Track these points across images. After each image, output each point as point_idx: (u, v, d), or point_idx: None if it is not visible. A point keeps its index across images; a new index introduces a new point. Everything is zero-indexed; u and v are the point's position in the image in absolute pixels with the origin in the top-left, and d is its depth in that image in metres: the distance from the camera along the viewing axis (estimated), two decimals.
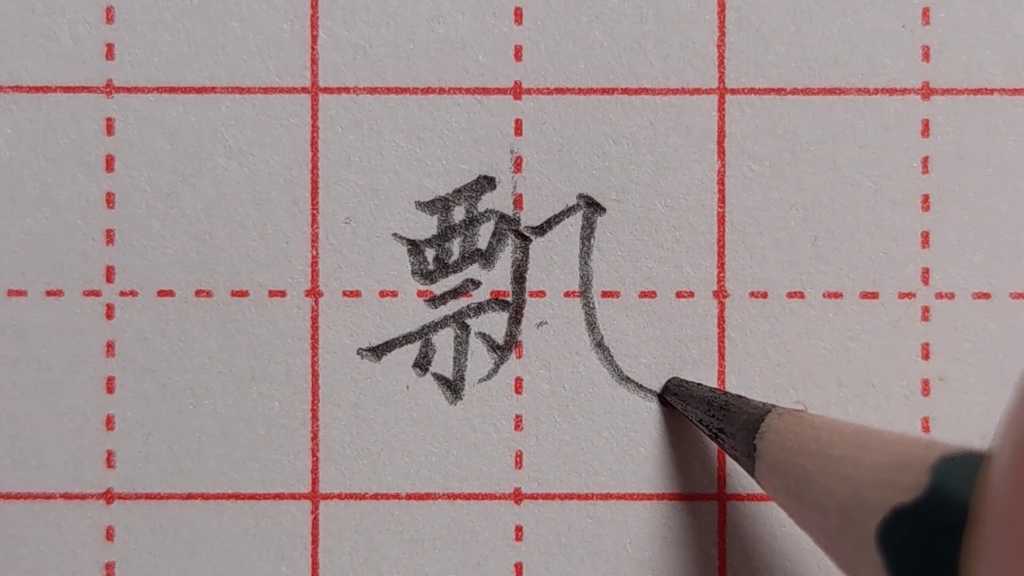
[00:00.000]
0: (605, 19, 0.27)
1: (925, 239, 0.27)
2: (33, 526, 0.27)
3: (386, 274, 0.27)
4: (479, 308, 0.27)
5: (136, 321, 0.27)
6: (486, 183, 0.27)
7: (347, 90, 0.27)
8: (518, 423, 0.27)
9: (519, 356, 0.27)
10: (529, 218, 0.27)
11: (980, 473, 0.16)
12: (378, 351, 0.27)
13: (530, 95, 0.27)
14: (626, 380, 0.27)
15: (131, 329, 0.27)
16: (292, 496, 0.27)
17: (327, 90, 0.27)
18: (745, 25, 0.27)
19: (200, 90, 0.27)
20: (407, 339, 0.27)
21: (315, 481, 0.27)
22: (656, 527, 0.27)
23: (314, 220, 0.27)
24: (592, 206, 0.27)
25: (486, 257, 0.27)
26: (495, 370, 0.27)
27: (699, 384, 0.26)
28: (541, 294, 0.27)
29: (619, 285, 0.27)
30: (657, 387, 0.27)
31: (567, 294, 0.27)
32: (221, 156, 0.27)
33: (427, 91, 0.27)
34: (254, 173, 0.27)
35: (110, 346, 0.27)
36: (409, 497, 0.27)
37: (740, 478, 0.27)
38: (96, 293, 0.27)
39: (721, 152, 0.27)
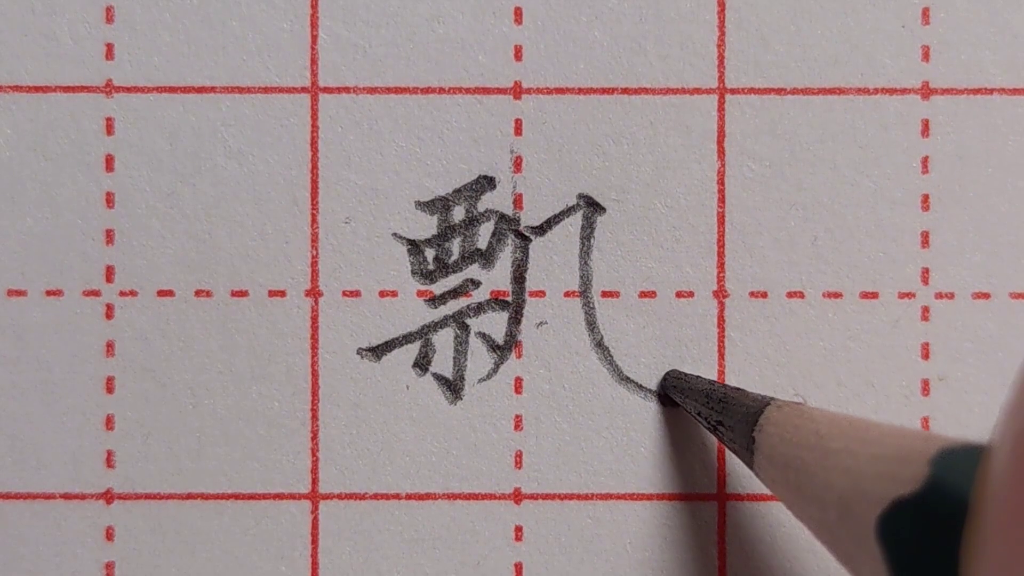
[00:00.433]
0: (605, 19, 0.27)
1: (925, 239, 0.27)
2: (33, 526, 0.27)
3: (386, 274, 0.27)
4: (479, 308, 0.27)
5: (136, 321, 0.27)
6: (486, 183, 0.27)
7: (347, 90, 0.27)
8: (518, 423, 0.27)
9: (519, 356, 0.27)
10: (529, 218, 0.27)
11: (980, 466, 0.16)
12: (378, 351, 0.27)
13: (530, 95, 0.27)
14: (626, 380, 0.27)
15: (131, 329, 0.27)
16: (292, 496, 0.27)
17: (327, 90, 0.27)
18: (745, 25, 0.27)
19: (200, 90, 0.27)
20: (407, 339, 0.27)
21: (315, 481, 0.27)
22: (656, 527, 0.27)
23: (314, 220, 0.27)
24: (592, 206, 0.27)
25: (486, 257, 0.27)
26: (495, 370, 0.27)
27: (698, 376, 0.26)
28: (541, 294, 0.27)
29: (619, 285, 0.27)
30: (657, 387, 0.27)
31: (567, 294, 0.27)
32: (221, 156, 0.27)
33: (427, 91, 0.27)
34: (254, 173, 0.27)
35: (110, 346, 0.27)
36: (409, 497, 0.27)
37: (740, 478, 0.27)
38: (96, 293, 0.27)
39: (721, 152, 0.27)
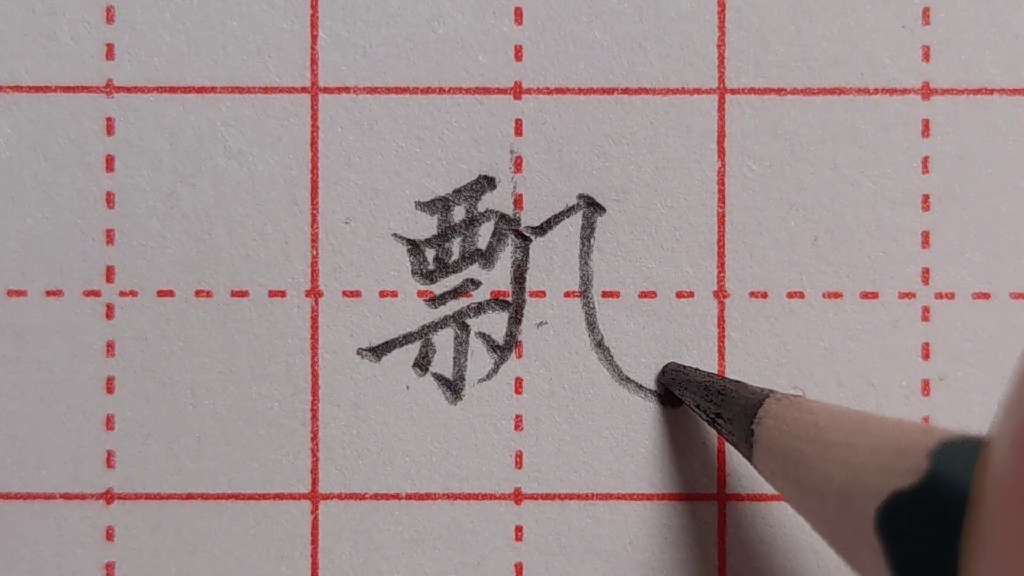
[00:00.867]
0: (605, 19, 0.27)
1: (925, 239, 0.27)
2: (33, 526, 0.27)
3: (386, 274, 0.27)
4: (479, 308, 0.27)
5: (136, 321, 0.27)
6: (486, 183, 0.27)
7: (347, 90, 0.27)
8: (518, 423, 0.27)
9: (519, 356, 0.27)
10: (529, 218, 0.27)
11: (979, 459, 0.16)
12: (378, 351, 0.27)
13: (530, 95, 0.27)
14: (626, 380, 0.27)
15: (131, 329, 0.27)
16: (292, 496, 0.27)
17: (327, 90, 0.27)
18: (745, 25, 0.27)
19: (200, 90, 0.27)
20: (407, 339, 0.27)
21: (315, 481, 0.27)
22: (656, 527, 0.27)
23: (314, 220, 0.27)
24: (592, 206, 0.27)
25: (486, 257, 0.27)
26: (495, 370, 0.27)
27: (696, 369, 0.26)
28: (541, 294, 0.27)
29: (619, 285, 0.27)
30: (657, 387, 0.27)
31: (567, 294, 0.27)
32: (221, 156, 0.27)
33: (427, 91, 0.27)
34: (254, 173, 0.27)
35: (110, 346, 0.27)
36: (409, 497, 0.27)
37: (740, 478, 0.27)
38: (96, 293, 0.27)
39: (721, 152, 0.27)
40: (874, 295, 0.27)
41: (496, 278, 0.27)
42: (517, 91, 0.27)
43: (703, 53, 0.27)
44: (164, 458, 0.27)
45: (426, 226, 0.27)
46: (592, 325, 0.27)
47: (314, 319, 0.27)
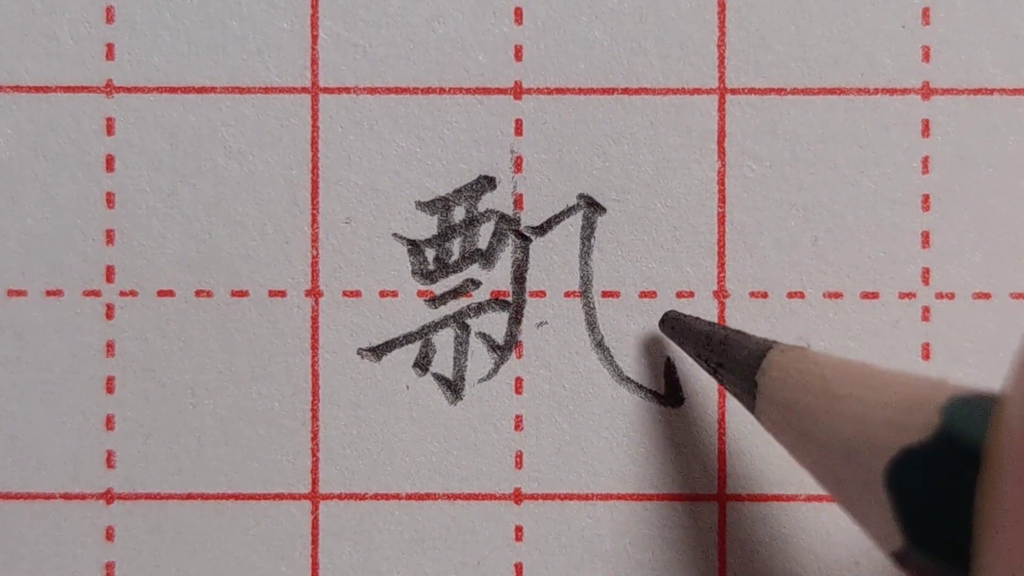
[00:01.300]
0: (605, 19, 0.27)
1: (925, 239, 0.27)
2: (33, 526, 0.27)
3: (386, 274, 0.27)
4: (479, 308, 0.27)
5: (136, 321, 0.27)
6: (486, 183, 0.27)
7: (347, 90, 0.27)
8: (518, 423, 0.27)
9: (519, 356, 0.27)
10: (529, 218, 0.27)
11: (992, 415, 0.16)
12: (378, 351, 0.27)
13: (530, 95, 0.27)
14: (626, 380, 0.27)
15: (131, 329, 0.27)
16: (292, 496, 0.27)
17: (327, 90, 0.27)
18: (745, 25, 0.27)
19: (200, 90, 0.27)
20: (407, 339, 0.27)
21: (315, 481, 0.27)
22: (656, 527, 0.27)
23: (314, 220, 0.27)
24: (592, 206, 0.27)
25: (486, 257, 0.27)
26: (495, 370, 0.27)
27: (697, 318, 0.26)
28: (541, 294, 0.27)
29: (619, 285, 0.27)
30: (657, 387, 0.27)
31: (567, 294, 0.27)
32: (221, 156, 0.27)
33: (427, 91, 0.27)
34: (254, 173, 0.27)
35: (110, 346, 0.27)
36: (409, 497, 0.27)
37: (740, 479, 0.27)
38: (96, 293, 0.27)
39: (721, 152, 0.27)
40: (874, 295, 0.27)
41: (496, 278, 0.27)
42: (517, 91, 0.27)
43: (703, 53, 0.27)
44: (164, 458, 0.27)
45: (426, 226, 0.27)
46: (592, 325, 0.27)
47: (314, 319, 0.27)
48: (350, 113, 0.27)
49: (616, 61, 0.27)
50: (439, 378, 0.27)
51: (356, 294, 0.27)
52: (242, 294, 0.27)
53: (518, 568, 0.27)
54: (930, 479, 0.17)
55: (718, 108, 0.27)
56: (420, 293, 0.27)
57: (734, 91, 0.27)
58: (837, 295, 0.27)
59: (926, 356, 0.27)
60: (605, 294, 0.27)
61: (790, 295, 0.27)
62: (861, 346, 0.27)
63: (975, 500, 0.16)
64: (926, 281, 0.27)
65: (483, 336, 0.27)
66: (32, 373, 0.27)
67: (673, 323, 0.26)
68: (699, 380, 0.27)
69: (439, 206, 0.27)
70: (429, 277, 0.27)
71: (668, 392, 0.27)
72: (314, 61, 0.27)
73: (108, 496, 0.27)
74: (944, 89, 0.27)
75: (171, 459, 0.27)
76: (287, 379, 0.27)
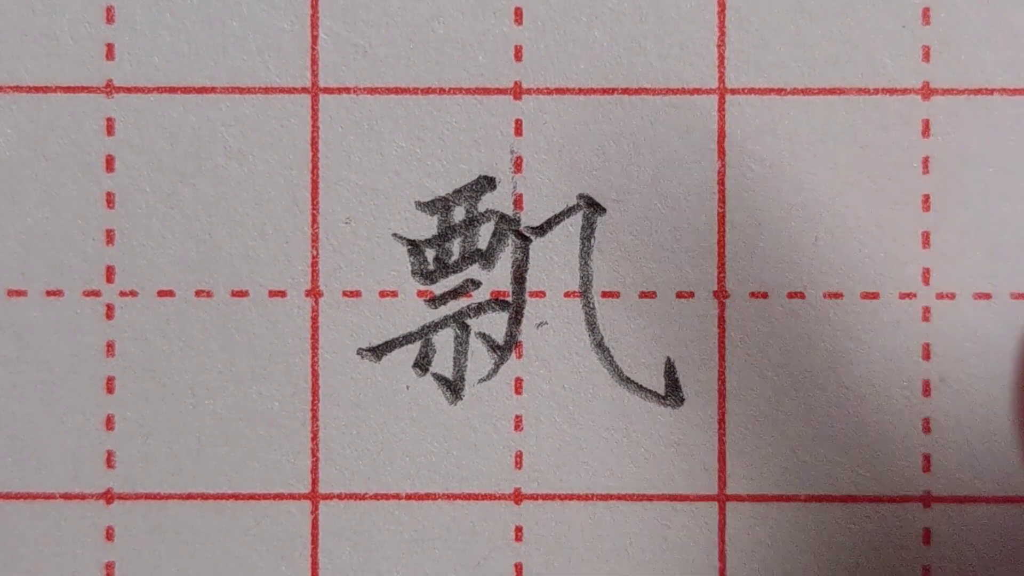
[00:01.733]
0: (605, 19, 0.27)
1: (925, 239, 0.27)
2: (33, 526, 0.27)
3: (386, 274, 0.27)
4: (479, 308, 0.27)
5: (136, 321, 0.27)
6: (486, 183, 0.27)
7: (347, 90, 0.27)
8: (518, 423, 0.27)
9: (519, 356, 0.27)
10: (529, 218, 0.27)
11: None
12: (378, 351, 0.27)
13: (530, 95, 0.27)
14: (626, 380, 0.27)
15: (131, 329, 0.27)
16: (292, 496, 0.27)
17: (327, 90, 0.27)
18: (745, 25, 0.27)
19: (200, 90, 0.27)
20: (407, 339, 0.27)
21: (315, 481, 0.27)
22: (656, 527, 0.27)
23: (314, 220, 0.27)
24: (592, 206, 0.27)
25: (486, 257, 0.27)
26: (495, 370, 0.27)
27: None
28: (541, 294, 0.27)
29: (619, 285, 0.27)
30: (657, 387, 0.27)
31: (567, 294, 0.27)
32: (221, 156, 0.27)
33: (427, 91, 0.27)
34: (254, 173, 0.27)
35: (110, 346, 0.27)
36: (409, 497, 0.27)
37: (740, 478, 0.27)
38: (96, 293, 0.27)
39: (721, 152, 0.27)
40: (874, 295, 0.27)
41: (496, 278, 0.27)
42: (517, 91, 0.27)
43: (703, 53, 0.27)
44: (164, 458, 0.27)
45: (426, 226, 0.27)
46: (592, 325, 0.27)
47: (314, 319, 0.27)
48: (350, 113, 0.27)
49: (616, 61, 0.27)
50: (439, 378, 0.27)
51: (356, 294, 0.27)
52: (242, 294, 0.27)
53: (518, 568, 0.27)
54: None
55: (718, 108, 0.27)
56: (420, 293, 0.27)
57: (734, 91, 0.27)
58: (837, 295, 0.27)
59: (926, 356, 0.27)
60: (605, 294, 0.27)
61: (790, 295, 0.27)
62: (861, 346, 0.27)
63: None
64: (926, 281, 0.27)
65: (483, 336, 0.27)
66: (32, 373, 0.27)
67: None
68: (699, 380, 0.27)
69: (439, 206, 0.27)
70: (429, 277, 0.27)
71: (668, 392, 0.27)
72: (314, 61, 0.27)
73: (108, 496, 0.27)
74: (944, 89, 0.27)
75: (171, 459, 0.27)
76: (287, 379, 0.27)
